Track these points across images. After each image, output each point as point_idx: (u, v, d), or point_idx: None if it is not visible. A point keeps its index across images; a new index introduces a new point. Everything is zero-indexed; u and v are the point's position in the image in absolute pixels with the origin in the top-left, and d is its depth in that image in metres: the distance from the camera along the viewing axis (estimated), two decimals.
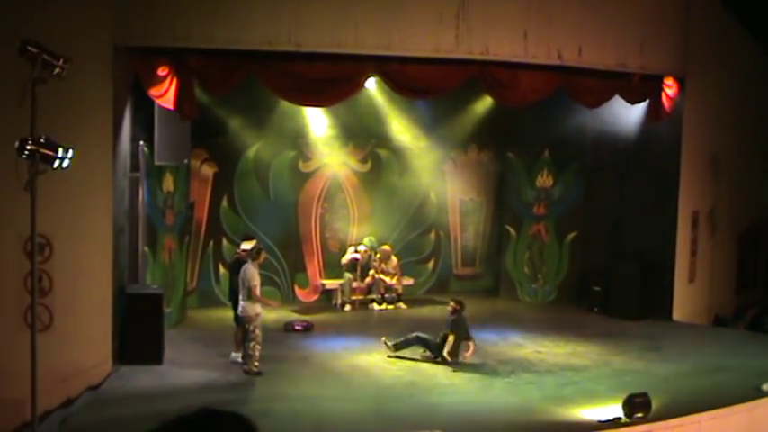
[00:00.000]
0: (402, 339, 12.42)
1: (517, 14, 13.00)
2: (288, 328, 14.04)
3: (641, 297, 15.21)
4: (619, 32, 13.75)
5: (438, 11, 12.50)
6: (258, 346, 11.21)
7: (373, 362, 12.22)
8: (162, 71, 11.51)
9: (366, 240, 16.30)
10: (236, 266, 12.07)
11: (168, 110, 11.99)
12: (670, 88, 14.68)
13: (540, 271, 17.31)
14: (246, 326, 11.22)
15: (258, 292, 11.35)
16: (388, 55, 12.53)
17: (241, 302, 11.32)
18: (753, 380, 10.74)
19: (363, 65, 12.72)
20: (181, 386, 10.57)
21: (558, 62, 13.33)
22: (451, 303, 12.59)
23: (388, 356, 12.29)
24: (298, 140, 16.25)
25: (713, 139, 15.32)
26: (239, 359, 11.58)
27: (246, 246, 12.31)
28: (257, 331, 11.22)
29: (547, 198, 17.27)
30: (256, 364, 11.18)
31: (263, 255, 11.93)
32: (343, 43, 12.10)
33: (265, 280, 16.06)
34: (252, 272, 11.32)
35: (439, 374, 11.60)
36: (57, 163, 7.73)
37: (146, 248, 12.93)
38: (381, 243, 16.53)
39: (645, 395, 9.44)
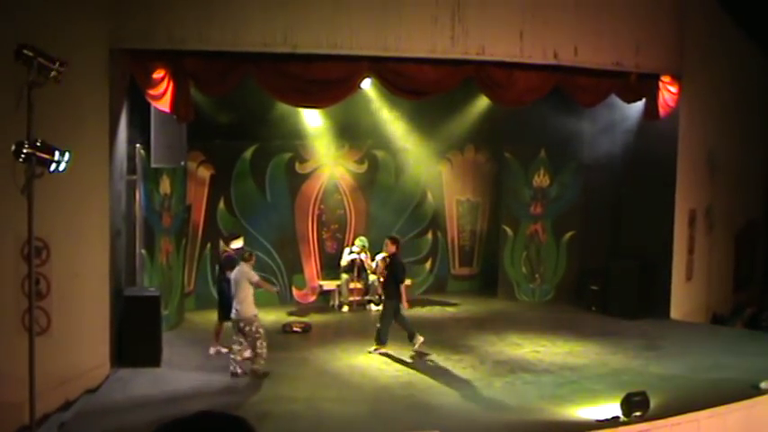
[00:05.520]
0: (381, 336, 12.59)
1: (513, 14, 12.99)
2: (286, 329, 14.04)
3: (639, 296, 15.22)
4: (614, 32, 13.76)
5: (434, 11, 12.50)
6: (265, 344, 11.30)
7: (371, 362, 12.22)
8: (158, 74, 11.50)
9: (358, 241, 16.28)
10: (227, 264, 12.22)
11: (165, 112, 11.98)
12: (672, 85, 14.68)
13: (538, 270, 17.32)
14: (247, 328, 11.19)
15: (261, 283, 11.72)
16: (384, 56, 12.53)
17: (237, 305, 11.26)
18: (751, 378, 10.76)
19: (359, 66, 12.71)
20: (179, 388, 10.57)
21: (553, 62, 13.33)
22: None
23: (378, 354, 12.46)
24: (294, 142, 16.24)
25: (710, 137, 15.34)
26: (222, 350, 11.98)
27: (236, 244, 12.53)
28: (261, 330, 11.32)
29: (544, 197, 17.28)
30: (262, 362, 11.26)
31: (254, 256, 12.01)
32: (338, 44, 12.10)
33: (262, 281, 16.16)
34: (248, 270, 11.40)
35: (437, 374, 11.60)
36: (53, 166, 7.74)
37: (143, 251, 12.93)
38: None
39: (643, 394, 9.45)
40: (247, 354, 11.36)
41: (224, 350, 12.14)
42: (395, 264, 12.83)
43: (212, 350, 12.38)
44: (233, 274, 11.51)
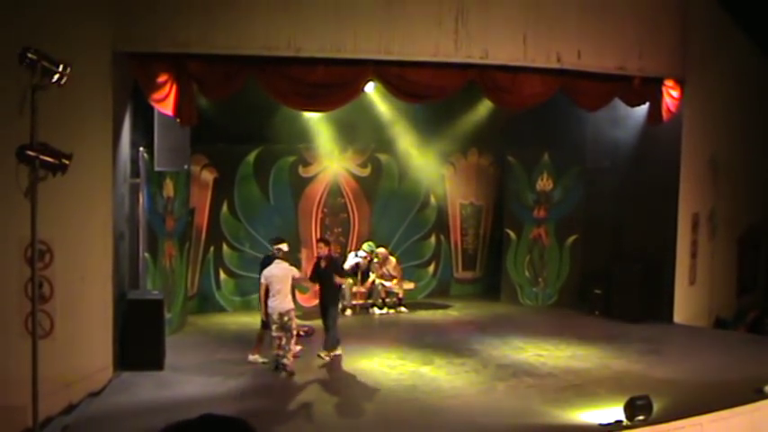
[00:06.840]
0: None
1: (516, 18, 12.99)
2: None
3: (642, 300, 15.21)
4: (617, 35, 13.76)
5: (437, 15, 12.50)
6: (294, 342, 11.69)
7: (374, 366, 12.21)
8: (161, 77, 11.51)
9: (365, 246, 16.28)
10: (267, 263, 12.24)
11: (168, 115, 12.00)
12: (675, 89, 14.67)
13: (541, 274, 17.31)
14: (289, 323, 11.45)
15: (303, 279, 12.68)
16: (387, 59, 12.52)
17: (278, 300, 11.47)
18: (754, 382, 10.73)
19: (363, 69, 12.71)
20: (182, 392, 10.57)
21: (557, 65, 13.33)
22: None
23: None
24: (297, 145, 16.25)
25: (712, 140, 15.33)
26: (260, 360, 11.99)
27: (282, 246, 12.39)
28: (294, 324, 11.60)
29: (547, 201, 17.26)
30: (291, 359, 11.53)
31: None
32: (342, 48, 12.10)
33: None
34: (290, 267, 11.82)
35: (440, 378, 11.59)
36: (57, 169, 7.74)
37: (146, 254, 12.93)
38: (380, 246, 16.52)
39: (646, 398, 9.43)
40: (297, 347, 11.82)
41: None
42: (333, 265, 12.69)
43: (252, 357, 12.23)
44: (271, 271, 11.65)
